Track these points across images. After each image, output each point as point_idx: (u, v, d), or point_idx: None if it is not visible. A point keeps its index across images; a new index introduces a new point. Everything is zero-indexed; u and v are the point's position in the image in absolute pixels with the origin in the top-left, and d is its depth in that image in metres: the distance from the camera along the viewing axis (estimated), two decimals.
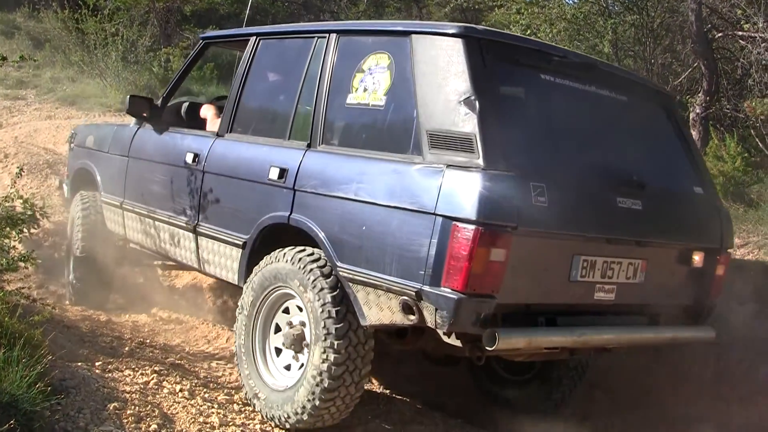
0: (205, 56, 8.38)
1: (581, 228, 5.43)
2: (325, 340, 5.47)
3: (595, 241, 5.53)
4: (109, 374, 6.03)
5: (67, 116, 17.18)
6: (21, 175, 8.60)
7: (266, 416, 5.87)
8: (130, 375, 6.13)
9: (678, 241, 6.21)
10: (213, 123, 7.83)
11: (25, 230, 7.07)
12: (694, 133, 10.46)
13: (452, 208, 4.89)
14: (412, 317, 5.08)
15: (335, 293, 5.53)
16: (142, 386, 5.94)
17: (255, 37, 7.08)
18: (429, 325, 5.02)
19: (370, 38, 6.01)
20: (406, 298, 5.06)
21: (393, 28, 5.95)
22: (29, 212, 7.06)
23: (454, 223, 4.86)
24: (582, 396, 7.59)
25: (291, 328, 5.89)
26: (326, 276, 5.60)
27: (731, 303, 7.96)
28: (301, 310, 5.83)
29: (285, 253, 5.91)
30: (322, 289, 5.57)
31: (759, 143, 10.21)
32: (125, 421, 5.27)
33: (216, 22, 21.99)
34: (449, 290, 4.86)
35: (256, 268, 6.15)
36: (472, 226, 4.79)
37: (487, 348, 4.96)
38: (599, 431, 7.39)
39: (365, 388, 6.33)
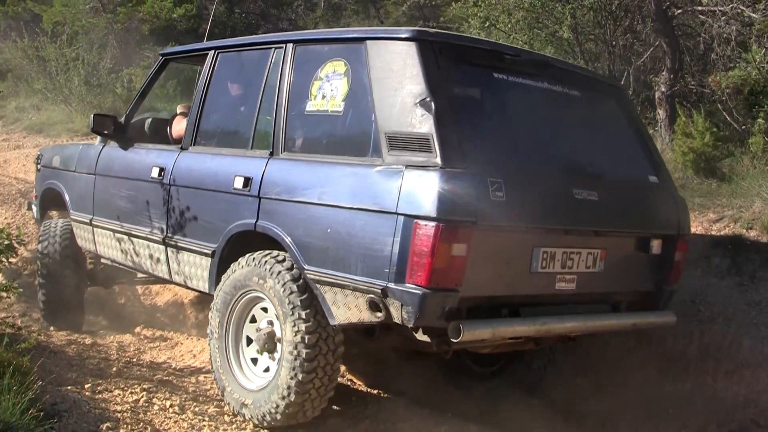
0: (166, 72, 8.52)
1: (539, 220, 5.58)
2: (293, 314, 5.66)
3: (553, 232, 5.71)
4: (99, 395, 6.04)
5: (36, 144, 17.15)
6: None
7: (258, 418, 5.90)
8: (119, 394, 6.14)
9: (635, 229, 6.37)
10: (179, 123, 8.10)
11: (3, 260, 7.07)
12: (661, 112, 10.52)
13: (413, 207, 5.05)
14: (379, 314, 5.24)
15: (293, 272, 5.76)
16: (132, 405, 5.96)
17: (213, 51, 7.23)
18: (396, 321, 5.18)
19: (326, 46, 6.17)
20: (372, 296, 5.22)
21: (348, 35, 6.11)
22: (6, 242, 7.06)
23: (415, 221, 5.02)
24: (566, 383, 7.65)
25: (260, 332, 6.07)
26: (280, 261, 5.85)
27: (710, 278, 8.02)
28: (266, 311, 6.06)
29: (239, 262, 6.18)
30: (279, 272, 5.79)
31: (726, 116, 10.27)
32: None
33: (175, 38, 21.90)
34: (414, 286, 5.02)
35: (216, 290, 6.33)
36: (433, 223, 4.95)
37: (453, 340, 5.13)
38: (585, 417, 7.44)
39: (355, 390, 6.72)
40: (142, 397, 6.14)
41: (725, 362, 7.39)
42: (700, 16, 10.92)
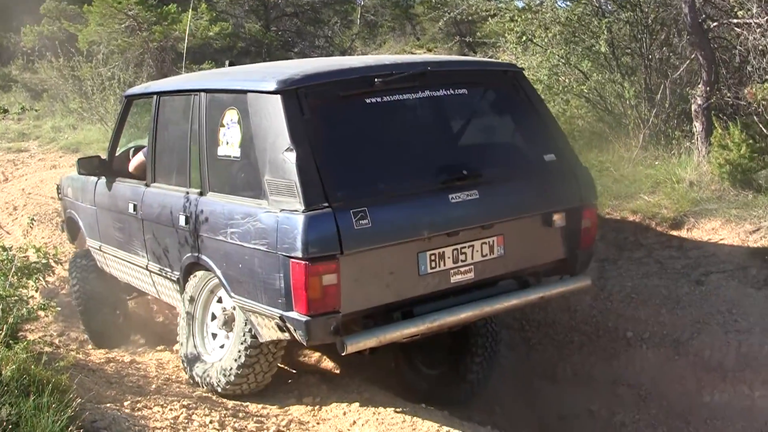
0: (131, 110, 9.10)
1: (414, 233, 6.02)
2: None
3: (435, 238, 6.10)
4: (139, 412, 6.05)
5: (72, 164, 17.13)
6: (32, 225, 8.65)
7: (209, 386, 6.88)
8: (159, 411, 6.15)
9: (530, 212, 6.61)
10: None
11: (41, 279, 7.15)
12: (698, 125, 10.43)
13: (287, 248, 5.71)
14: (286, 335, 6.00)
15: None
16: (172, 421, 5.98)
17: (156, 96, 7.74)
18: (298, 340, 5.92)
19: (225, 95, 6.71)
20: (277, 320, 5.94)
21: (236, 86, 6.61)
22: (43, 261, 7.14)
23: (290, 260, 5.69)
24: (605, 394, 7.65)
25: (224, 323, 6.87)
26: None
27: (747, 288, 8.00)
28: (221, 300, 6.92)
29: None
30: None
31: (762, 128, 10.17)
32: None
33: (210, 56, 22.01)
34: (299, 314, 5.75)
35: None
36: (302, 262, 5.61)
37: (341, 353, 5.84)
38: (625, 427, 7.45)
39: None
40: (182, 413, 6.15)
41: (763, 372, 7.39)
42: (736, 28, 10.81)
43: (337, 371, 8.02)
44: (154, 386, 7.07)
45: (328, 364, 8.19)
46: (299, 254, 5.61)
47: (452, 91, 6.56)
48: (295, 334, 5.87)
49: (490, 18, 15.04)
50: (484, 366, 7.56)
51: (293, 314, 5.76)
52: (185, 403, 6.40)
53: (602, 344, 8.28)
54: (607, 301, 8.51)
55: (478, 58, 9.70)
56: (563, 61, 12.25)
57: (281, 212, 5.78)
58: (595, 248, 7.22)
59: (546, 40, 12.34)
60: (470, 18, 17.82)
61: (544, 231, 6.68)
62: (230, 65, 8.50)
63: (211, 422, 6.09)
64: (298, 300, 5.70)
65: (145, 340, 9.56)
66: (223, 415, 6.28)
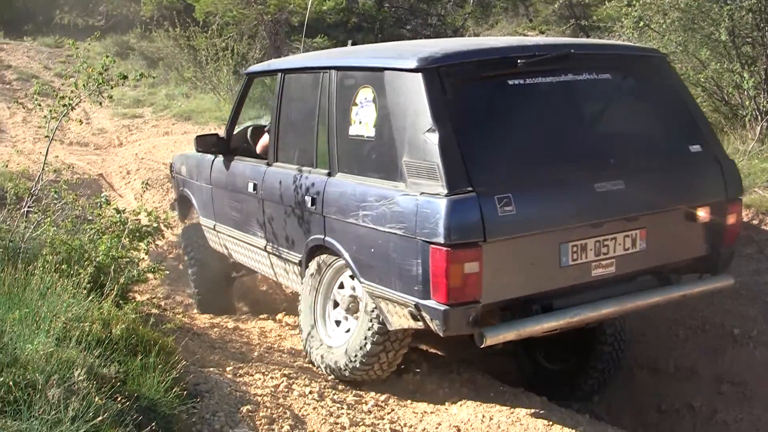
0: (253, 87, 8.93)
1: (558, 222, 5.71)
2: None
3: (579, 228, 5.81)
4: (240, 378, 6.15)
5: (184, 131, 17.50)
6: (146, 189, 8.79)
7: (332, 370, 6.58)
8: (260, 379, 6.24)
9: (674, 205, 6.29)
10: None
11: (151, 242, 7.26)
12: None
13: (427, 233, 5.41)
14: (419, 323, 5.69)
15: None
16: (272, 389, 6.05)
17: (281, 73, 7.57)
18: (433, 330, 5.61)
19: (359, 73, 6.46)
20: (411, 308, 5.65)
21: (372, 64, 6.38)
22: (154, 225, 7.26)
23: (430, 245, 5.39)
24: (709, 394, 7.55)
25: (349, 307, 6.64)
26: None
27: None
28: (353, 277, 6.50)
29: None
30: None
31: None
32: (258, 422, 5.39)
33: (324, 31, 22.13)
34: (436, 303, 5.45)
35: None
36: (443, 248, 5.31)
37: (479, 346, 5.54)
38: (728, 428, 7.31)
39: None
40: (282, 382, 6.22)
41: None
42: None
43: (437, 350, 7.98)
44: (256, 354, 7.15)
45: (428, 341, 8.16)
46: (441, 240, 5.31)
47: (595, 75, 6.29)
48: (430, 324, 5.58)
49: (606, 2, 14.83)
50: (608, 366, 7.32)
51: (430, 303, 5.48)
52: (286, 372, 6.47)
53: (707, 339, 8.05)
54: (715, 295, 8.32)
55: (620, 42, 9.45)
56: (681, 48, 11.99)
57: (421, 195, 5.49)
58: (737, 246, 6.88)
59: (664, 26, 12.07)
60: (585, 1, 17.63)
61: (687, 226, 6.36)
62: (353, 44, 8.39)
63: (310, 392, 6.14)
64: (437, 288, 5.42)
65: (248, 307, 9.67)
66: (322, 387, 6.33)
